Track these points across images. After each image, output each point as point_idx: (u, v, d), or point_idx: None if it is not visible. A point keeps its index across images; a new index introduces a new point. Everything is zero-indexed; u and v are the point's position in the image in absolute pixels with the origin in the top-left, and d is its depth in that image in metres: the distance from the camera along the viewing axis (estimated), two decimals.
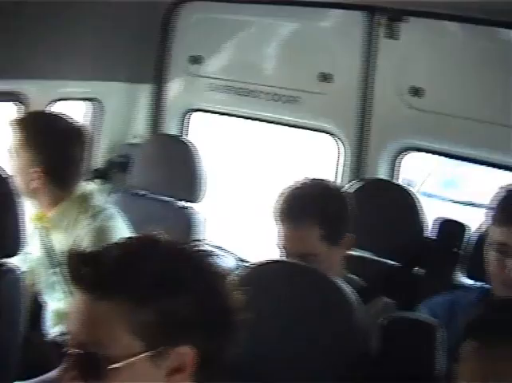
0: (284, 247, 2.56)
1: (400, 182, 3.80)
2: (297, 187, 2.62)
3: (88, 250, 1.50)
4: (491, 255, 2.39)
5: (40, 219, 3.15)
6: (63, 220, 3.10)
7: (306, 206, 2.54)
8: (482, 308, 1.67)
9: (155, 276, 1.45)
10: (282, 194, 2.62)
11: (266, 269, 2.26)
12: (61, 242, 3.10)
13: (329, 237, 2.57)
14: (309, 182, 2.65)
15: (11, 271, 2.65)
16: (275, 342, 2.13)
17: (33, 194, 3.07)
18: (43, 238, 3.16)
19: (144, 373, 1.44)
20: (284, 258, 2.50)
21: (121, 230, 3.12)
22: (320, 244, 2.55)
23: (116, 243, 1.53)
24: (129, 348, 1.43)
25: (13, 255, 2.65)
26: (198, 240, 3.49)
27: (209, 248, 3.88)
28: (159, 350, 1.44)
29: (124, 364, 1.42)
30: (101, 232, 3.03)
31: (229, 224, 5.76)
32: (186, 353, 1.47)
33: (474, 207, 7.39)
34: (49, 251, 3.15)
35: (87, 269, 1.45)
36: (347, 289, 2.20)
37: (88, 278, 1.45)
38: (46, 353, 2.95)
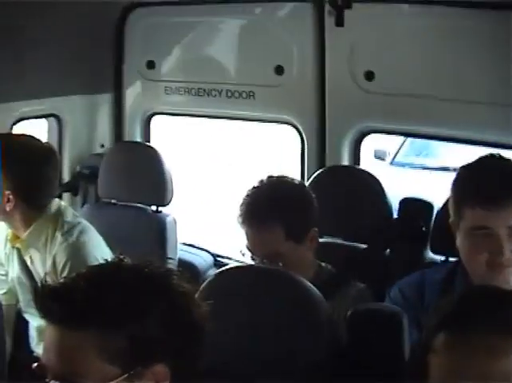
0: (251, 249, 2.57)
1: (371, 156, 3.82)
2: (256, 188, 2.62)
3: (53, 284, 1.54)
4: (467, 240, 2.23)
5: (16, 239, 3.19)
6: (38, 239, 3.12)
7: (266, 207, 2.54)
8: (458, 298, 1.55)
9: (120, 303, 1.49)
10: (244, 196, 2.62)
11: (232, 275, 2.29)
12: (37, 260, 3.14)
13: (293, 235, 2.56)
14: (268, 181, 2.65)
15: None
16: (245, 347, 2.15)
17: (7, 216, 3.11)
18: (20, 258, 3.20)
19: None
20: (248, 263, 2.52)
21: (96, 243, 3.14)
22: (285, 243, 2.54)
23: (79, 274, 1.57)
24: (105, 374, 1.48)
25: None
26: (167, 257, 3.57)
27: (183, 249, 3.92)
28: (133, 373, 1.50)
29: None
30: (76, 248, 3.06)
31: (202, 223, 5.80)
32: (159, 371, 1.52)
33: (449, 172, 7.43)
34: (26, 271, 3.19)
35: (54, 303, 1.49)
36: (312, 288, 2.20)
37: (56, 312, 1.49)
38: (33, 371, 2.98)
